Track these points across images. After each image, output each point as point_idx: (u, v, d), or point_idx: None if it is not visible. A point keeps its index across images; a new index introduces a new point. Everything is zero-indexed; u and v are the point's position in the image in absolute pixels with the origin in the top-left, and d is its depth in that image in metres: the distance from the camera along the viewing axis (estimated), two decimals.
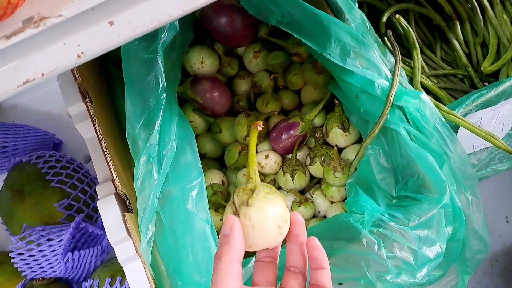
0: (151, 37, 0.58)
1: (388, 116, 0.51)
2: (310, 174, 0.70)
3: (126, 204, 0.52)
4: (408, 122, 0.51)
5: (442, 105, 0.52)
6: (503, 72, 0.64)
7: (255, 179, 0.39)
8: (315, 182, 0.72)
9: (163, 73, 0.56)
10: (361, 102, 0.55)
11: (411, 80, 0.62)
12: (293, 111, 0.75)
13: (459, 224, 0.48)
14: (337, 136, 0.66)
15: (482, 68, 0.64)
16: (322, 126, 0.71)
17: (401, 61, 0.63)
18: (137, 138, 0.52)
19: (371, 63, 0.53)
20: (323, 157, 0.67)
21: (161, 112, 0.54)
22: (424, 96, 0.50)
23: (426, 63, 0.67)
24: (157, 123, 0.53)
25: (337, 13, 0.58)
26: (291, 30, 0.57)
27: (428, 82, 0.63)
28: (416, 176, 0.49)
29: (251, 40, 0.74)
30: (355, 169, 0.57)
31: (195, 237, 0.48)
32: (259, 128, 0.38)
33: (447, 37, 0.67)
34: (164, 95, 0.55)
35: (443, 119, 0.49)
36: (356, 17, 0.58)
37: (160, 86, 0.55)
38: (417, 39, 0.67)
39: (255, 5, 0.61)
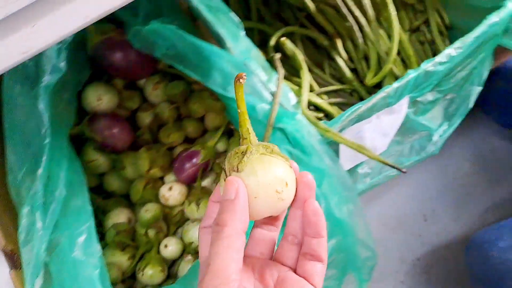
0: (32, 81, 0.56)
1: (270, 138, 0.53)
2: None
3: (13, 260, 0.49)
4: (290, 142, 0.53)
5: (320, 123, 0.54)
6: (385, 83, 0.68)
7: (249, 139, 0.34)
8: None
9: (46, 117, 0.55)
10: None
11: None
12: (198, 139, 0.76)
13: (342, 235, 0.49)
14: None
15: (365, 81, 0.68)
16: (226, 151, 0.71)
17: (287, 82, 0.65)
18: (19, 188, 0.51)
19: (252, 89, 0.55)
20: None
21: (43, 159, 0.52)
22: (299, 117, 0.52)
23: (316, 81, 0.70)
24: (39, 171, 0.51)
25: (221, 42, 0.59)
26: (176, 62, 0.57)
27: (317, 100, 0.65)
28: None
29: (150, 72, 0.74)
30: None
31: (81, 286, 0.47)
32: (242, 81, 0.33)
33: None
34: (48, 140, 0.53)
35: (320, 137, 0.52)
36: (240, 44, 0.59)
37: (43, 131, 0.54)
38: (305, 59, 0.70)
39: (140, 39, 0.61)
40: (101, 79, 0.73)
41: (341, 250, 0.50)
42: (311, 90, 0.68)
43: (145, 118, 0.75)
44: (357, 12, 0.66)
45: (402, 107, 0.61)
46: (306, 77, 0.65)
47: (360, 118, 0.56)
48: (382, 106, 0.58)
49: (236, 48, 0.58)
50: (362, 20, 0.66)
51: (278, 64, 0.61)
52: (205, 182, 0.71)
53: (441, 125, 0.71)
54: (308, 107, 0.67)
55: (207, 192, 0.68)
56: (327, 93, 0.69)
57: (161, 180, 0.73)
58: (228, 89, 0.54)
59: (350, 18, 0.66)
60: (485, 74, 0.72)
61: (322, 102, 0.66)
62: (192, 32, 0.59)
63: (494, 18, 0.60)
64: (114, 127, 0.70)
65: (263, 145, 0.34)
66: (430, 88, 0.64)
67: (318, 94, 0.68)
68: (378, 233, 1.09)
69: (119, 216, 0.67)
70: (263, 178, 0.31)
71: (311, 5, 0.66)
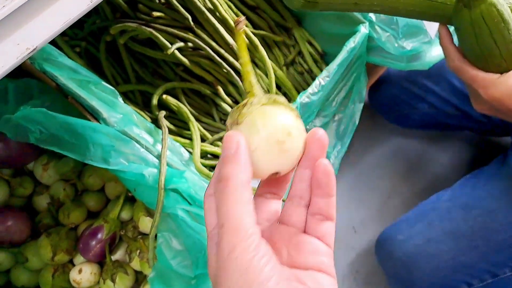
0: None
1: (164, 202, 0.52)
2: (135, 270, 0.68)
3: None
4: (187, 200, 0.53)
5: (210, 173, 0.55)
6: None
7: (252, 92, 0.32)
8: (144, 276, 0.69)
9: None
10: (139, 194, 0.55)
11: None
12: (104, 210, 0.73)
13: None
14: (147, 224, 0.65)
15: None
16: (132, 219, 0.69)
17: (177, 138, 0.66)
18: None
19: (136, 156, 0.54)
20: (138, 250, 0.65)
21: None
22: (188, 174, 0.53)
23: (207, 129, 0.71)
24: None
25: (96, 114, 0.58)
26: (50, 145, 0.55)
27: (212, 148, 0.66)
28: (204, 251, 0.50)
29: (36, 155, 0.71)
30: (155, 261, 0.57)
31: None
32: (241, 26, 0.30)
33: None
34: None
35: None
36: (118, 112, 0.59)
37: None
38: (192, 110, 0.71)
39: (12, 127, 0.58)
40: None
41: None
42: (204, 139, 0.69)
43: (42, 202, 0.71)
44: (231, 58, 0.69)
45: None
46: (196, 129, 0.66)
47: None
48: None
49: (113, 117, 0.57)
50: (237, 64, 0.69)
51: (162, 122, 0.61)
52: (118, 255, 0.68)
53: (335, 147, 0.74)
54: (205, 156, 0.68)
55: (120, 266, 0.66)
56: (221, 139, 0.70)
57: (71, 263, 0.69)
58: (109, 162, 0.53)
59: (224, 65, 0.68)
60: (364, 91, 0.77)
61: (217, 149, 0.67)
62: (66, 109, 0.58)
63: (351, 43, 0.65)
64: (7, 220, 0.66)
65: (267, 96, 0.31)
66: (314, 116, 0.67)
67: (212, 143, 0.68)
68: None
69: None
70: (262, 128, 0.29)
71: (184, 60, 0.67)
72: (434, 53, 0.72)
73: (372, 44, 0.71)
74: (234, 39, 0.30)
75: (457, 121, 0.99)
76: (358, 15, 0.67)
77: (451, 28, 0.56)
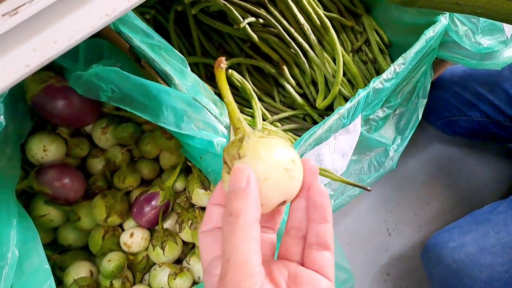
0: None
1: None
2: (183, 240, 0.67)
3: None
4: None
5: None
6: (336, 105, 0.69)
7: (242, 127, 0.32)
8: (191, 247, 0.69)
9: None
10: (206, 162, 0.54)
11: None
12: (156, 179, 0.73)
13: None
14: (200, 196, 0.65)
15: (316, 105, 0.68)
16: (185, 190, 0.69)
17: (240, 113, 0.65)
18: None
19: (206, 124, 0.54)
20: (190, 221, 0.65)
21: None
22: None
23: (267, 109, 0.70)
24: None
25: (168, 80, 0.58)
26: (122, 104, 0.55)
27: (271, 127, 0.65)
28: None
29: (96, 117, 0.71)
30: None
31: None
32: (223, 66, 0.31)
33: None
34: None
35: None
36: (187, 80, 0.58)
37: None
38: (254, 88, 0.70)
39: (83, 84, 0.59)
40: (45, 129, 0.70)
41: None
42: (264, 119, 0.68)
43: (97, 165, 0.72)
44: (300, 39, 0.68)
45: (357, 126, 0.62)
46: (258, 107, 0.65)
47: (318, 141, 0.56)
48: (337, 127, 0.58)
49: (184, 84, 0.57)
50: (306, 45, 0.67)
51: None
52: (167, 224, 0.68)
53: (395, 140, 0.72)
54: None
55: (170, 234, 0.66)
56: (280, 120, 0.69)
57: (120, 227, 0.69)
58: (181, 126, 0.52)
59: (293, 44, 0.67)
60: (428, 86, 0.75)
61: (277, 130, 0.66)
62: (137, 72, 0.58)
63: (431, 32, 0.63)
64: (64, 177, 0.66)
65: (259, 129, 0.32)
66: (380, 105, 0.65)
67: (272, 122, 0.68)
68: (345, 252, 1.09)
69: (79, 271, 0.63)
70: (269, 158, 0.29)
71: (254, 36, 0.66)
72: (508, 54, 0.69)
73: (446, 38, 0.69)
74: (216, 78, 0.30)
75: (508, 132, 0.96)
76: None
77: None
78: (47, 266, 0.51)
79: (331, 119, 0.56)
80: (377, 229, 1.14)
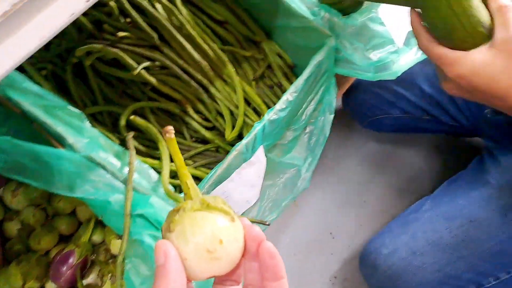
0: None
1: (131, 227, 0.51)
2: None
3: None
4: (155, 226, 0.52)
5: (178, 195, 0.54)
6: (245, 133, 0.70)
7: (190, 194, 0.32)
8: None
9: None
10: (106, 220, 0.54)
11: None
12: (75, 234, 0.72)
13: None
14: (118, 246, 0.65)
15: (226, 138, 0.69)
16: (104, 241, 0.69)
17: (146, 160, 0.65)
18: None
19: (101, 182, 0.54)
20: (110, 274, 0.65)
21: None
22: (153, 199, 0.52)
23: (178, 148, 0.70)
24: None
25: (62, 140, 0.57)
26: (15, 174, 0.54)
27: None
28: None
29: (5, 180, 0.70)
30: None
31: None
32: (170, 135, 0.31)
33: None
34: None
35: None
36: (84, 136, 0.58)
37: None
38: (160, 130, 0.70)
39: None
40: None
41: None
42: (172, 160, 0.68)
43: (13, 227, 0.70)
44: (199, 76, 0.68)
45: (260, 157, 0.63)
46: (165, 148, 0.65)
47: (221, 179, 0.57)
48: (239, 162, 0.59)
49: (80, 142, 0.56)
50: (205, 81, 0.68)
51: (130, 145, 0.61)
52: (90, 279, 0.67)
53: (306, 159, 0.74)
54: (174, 177, 0.67)
55: None
56: (192, 157, 0.70)
57: None
58: (75, 190, 0.52)
59: (192, 83, 0.67)
60: (334, 102, 0.77)
61: (188, 168, 0.66)
62: (33, 135, 0.57)
63: (318, 57, 0.65)
64: None
65: (202, 199, 0.31)
66: (282, 132, 0.67)
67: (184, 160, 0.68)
68: (291, 261, 1.10)
69: None
70: (192, 239, 0.29)
71: (152, 79, 0.67)
72: (402, 62, 0.72)
73: (340, 56, 0.71)
74: (168, 147, 0.31)
75: (428, 125, 1.01)
76: (324, 28, 0.68)
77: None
78: None
79: (230, 157, 0.57)
80: (321, 234, 1.16)
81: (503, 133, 0.83)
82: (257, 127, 0.60)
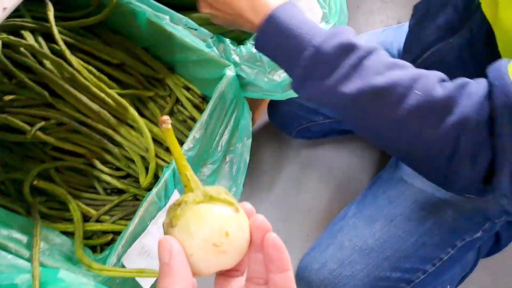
0: None
1: None
2: None
3: None
4: None
5: (95, 264, 0.51)
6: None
7: (190, 186, 0.30)
8: None
9: None
10: None
11: None
12: None
13: None
14: None
15: (141, 184, 0.66)
16: None
17: (56, 226, 0.61)
18: None
19: (3, 266, 0.49)
20: None
21: None
22: (62, 273, 0.48)
23: (92, 205, 0.67)
24: None
25: None
26: None
27: (98, 226, 0.62)
28: None
29: None
30: None
31: None
32: (167, 126, 0.29)
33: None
34: None
35: (94, 283, 0.48)
36: None
37: None
38: (70, 189, 0.67)
39: None
40: None
41: None
42: (89, 218, 0.64)
43: None
44: (101, 126, 0.65)
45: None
46: (76, 210, 0.62)
47: (135, 235, 0.54)
48: (153, 213, 0.57)
49: None
50: (109, 131, 0.65)
51: (34, 216, 0.57)
52: None
53: (231, 189, 0.73)
54: (92, 236, 0.64)
55: None
56: (108, 211, 0.66)
57: None
58: None
59: (94, 134, 0.64)
60: (250, 126, 0.76)
61: (103, 225, 0.63)
62: None
63: (220, 88, 0.64)
64: None
65: (204, 190, 0.29)
66: (198, 169, 0.65)
67: (99, 218, 0.64)
68: None
69: None
70: (196, 232, 0.27)
71: (50, 139, 0.63)
72: None
73: (245, 81, 0.70)
74: (164, 137, 0.28)
75: None
76: (222, 58, 0.67)
77: None
78: None
79: (141, 210, 0.55)
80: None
81: None
82: (166, 172, 0.57)
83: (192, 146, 0.60)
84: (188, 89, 0.77)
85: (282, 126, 1.17)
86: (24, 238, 0.54)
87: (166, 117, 0.29)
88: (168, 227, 0.29)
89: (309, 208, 1.22)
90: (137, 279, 0.57)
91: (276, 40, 0.55)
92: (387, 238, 0.74)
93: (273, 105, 1.12)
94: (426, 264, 0.72)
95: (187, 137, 0.72)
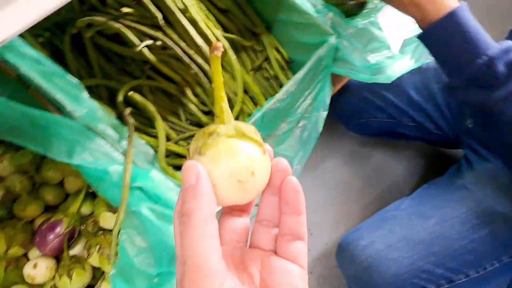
0: None
1: (128, 199, 0.52)
2: (93, 266, 0.67)
3: None
4: (152, 198, 0.53)
5: (178, 174, 0.55)
6: (241, 120, 0.71)
7: (223, 117, 0.30)
8: (102, 272, 0.69)
9: None
10: (102, 191, 0.55)
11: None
12: (62, 204, 0.72)
13: None
14: (108, 220, 0.65)
15: None
16: (92, 213, 0.69)
17: (141, 135, 0.65)
18: None
19: (100, 152, 0.54)
20: (98, 246, 0.65)
21: None
22: (154, 173, 0.53)
23: (173, 129, 0.71)
24: None
25: (60, 108, 0.57)
26: (10, 137, 0.54)
27: (176, 148, 0.66)
28: (168, 249, 0.51)
29: None
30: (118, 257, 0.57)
31: None
32: (218, 53, 0.29)
33: None
34: None
35: (179, 189, 0.53)
36: (83, 106, 0.58)
37: None
38: (159, 109, 0.71)
39: None
40: None
41: None
42: (169, 139, 0.69)
43: None
44: (200, 60, 0.69)
45: None
46: (161, 127, 0.66)
47: None
48: None
49: (78, 111, 0.56)
50: (205, 66, 0.69)
51: (128, 119, 0.61)
52: (75, 250, 0.67)
53: (298, 152, 0.76)
54: (170, 155, 0.68)
55: (78, 261, 0.65)
56: (186, 139, 0.70)
57: (25, 256, 0.67)
58: (73, 157, 0.52)
59: (193, 66, 0.68)
60: (328, 100, 0.79)
61: (182, 149, 0.67)
62: (27, 101, 0.56)
63: (319, 53, 0.67)
64: None
65: (236, 125, 0.30)
66: (278, 122, 0.68)
67: (177, 142, 0.69)
68: None
69: None
70: (225, 165, 0.28)
71: (153, 58, 0.67)
72: (396, 68, 0.75)
73: (338, 55, 0.73)
74: (210, 64, 0.29)
75: (413, 132, 1.05)
76: (327, 26, 0.69)
77: None
78: None
79: None
80: None
81: (480, 143, 0.88)
82: (257, 114, 0.61)
83: (284, 97, 0.63)
84: (277, 51, 0.80)
85: (341, 116, 1.19)
86: (116, 136, 0.58)
87: (220, 44, 0.29)
88: (195, 154, 0.29)
89: (345, 199, 1.25)
90: None
91: (450, 38, 0.57)
92: (439, 234, 0.76)
93: (336, 95, 1.14)
94: (470, 269, 0.74)
95: (269, 94, 0.76)
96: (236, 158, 0.28)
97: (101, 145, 0.54)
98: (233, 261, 0.30)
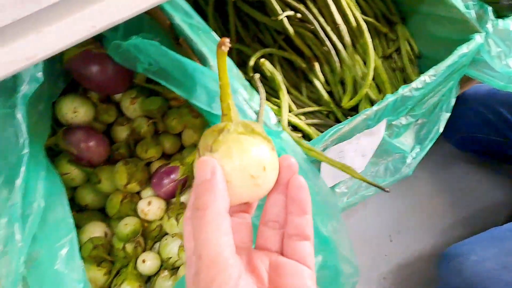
0: (9, 91, 0.55)
1: None
2: None
3: None
4: None
5: (304, 142, 0.56)
6: (361, 106, 0.71)
7: (230, 116, 0.31)
8: None
9: (24, 127, 0.53)
10: None
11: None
12: (176, 155, 0.75)
13: (328, 251, 0.50)
14: None
15: (342, 104, 0.70)
16: None
17: (266, 102, 0.67)
18: None
19: (236, 107, 0.56)
20: None
21: (22, 169, 0.50)
22: (285, 135, 0.53)
23: (294, 102, 0.72)
24: (18, 181, 0.49)
25: (203, 60, 0.60)
26: (158, 78, 0.57)
27: (296, 120, 0.67)
28: None
29: (126, 87, 0.73)
30: None
31: None
32: (225, 49, 0.29)
33: None
34: (26, 150, 0.52)
35: (304, 155, 0.53)
36: None
37: (21, 142, 0.52)
38: (283, 80, 0.72)
39: (121, 54, 0.61)
40: (76, 91, 0.72)
41: (326, 267, 0.50)
42: (290, 110, 0.70)
43: (122, 133, 0.74)
44: (335, 38, 0.69)
45: (380, 129, 0.64)
46: (285, 98, 0.67)
47: (341, 138, 0.58)
48: (362, 127, 0.60)
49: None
50: (339, 45, 0.69)
51: (259, 83, 0.63)
52: (183, 198, 0.70)
53: (414, 148, 0.74)
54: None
55: (185, 207, 0.68)
56: (305, 114, 0.71)
57: (137, 194, 0.72)
58: (212, 106, 0.54)
59: (327, 42, 0.68)
60: (453, 101, 0.76)
61: (301, 122, 0.68)
62: (173, 49, 0.60)
63: (464, 49, 0.64)
64: (90, 140, 0.68)
65: (244, 123, 0.30)
66: (405, 112, 0.67)
67: (296, 115, 0.69)
68: None
69: (94, 230, 0.66)
70: (238, 161, 0.28)
71: (290, 29, 0.68)
72: None
73: (477, 57, 0.70)
74: (216, 59, 0.29)
75: None
76: (475, 23, 0.66)
77: None
78: (71, 220, 0.54)
79: (358, 119, 0.58)
80: (379, 234, 1.15)
81: None
82: (390, 98, 0.60)
83: (420, 87, 0.61)
84: (409, 43, 0.78)
85: (446, 127, 1.14)
86: (247, 97, 0.60)
87: (227, 40, 0.29)
88: (206, 151, 0.29)
89: (432, 214, 1.20)
90: (323, 174, 0.62)
91: None
92: None
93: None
94: None
95: (394, 85, 0.74)
96: (248, 153, 0.29)
97: (238, 101, 0.56)
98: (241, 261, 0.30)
